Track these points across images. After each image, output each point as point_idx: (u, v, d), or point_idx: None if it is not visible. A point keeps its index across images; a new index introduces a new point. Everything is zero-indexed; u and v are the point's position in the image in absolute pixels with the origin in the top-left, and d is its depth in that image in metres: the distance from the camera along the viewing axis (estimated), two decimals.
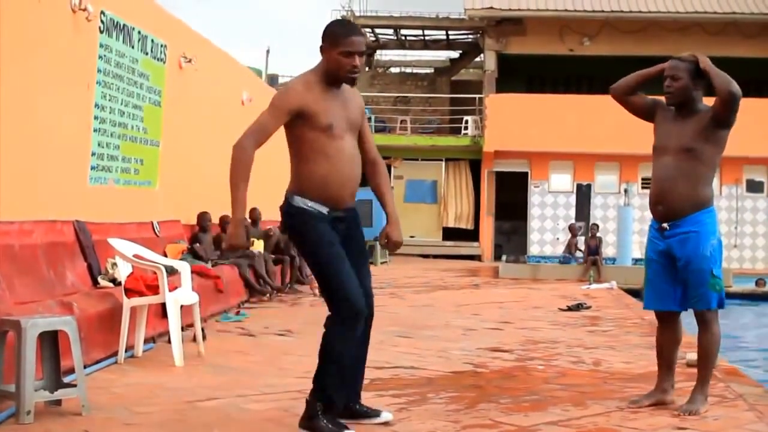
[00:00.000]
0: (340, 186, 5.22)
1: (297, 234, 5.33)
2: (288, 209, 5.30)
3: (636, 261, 21.22)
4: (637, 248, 22.74)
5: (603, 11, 29.15)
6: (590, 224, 24.01)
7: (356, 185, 5.32)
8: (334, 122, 5.18)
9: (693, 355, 7.36)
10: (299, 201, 5.19)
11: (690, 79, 6.00)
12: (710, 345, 6.10)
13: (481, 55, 30.73)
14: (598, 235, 22.44)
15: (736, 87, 5.88)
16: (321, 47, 5.25)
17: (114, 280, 8.92)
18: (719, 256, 6.01)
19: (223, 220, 13.63)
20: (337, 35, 5.18)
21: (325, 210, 5.20)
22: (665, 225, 6.08)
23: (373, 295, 5.48)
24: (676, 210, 6.02)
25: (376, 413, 5.54)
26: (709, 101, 6.08)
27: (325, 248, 5.19)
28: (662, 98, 6.28)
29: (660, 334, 6.34)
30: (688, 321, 6.40)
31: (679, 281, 6.09)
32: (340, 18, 5.32)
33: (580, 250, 22.44)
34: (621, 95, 6.45)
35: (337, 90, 5.28)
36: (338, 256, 5.19)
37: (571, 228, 23.63)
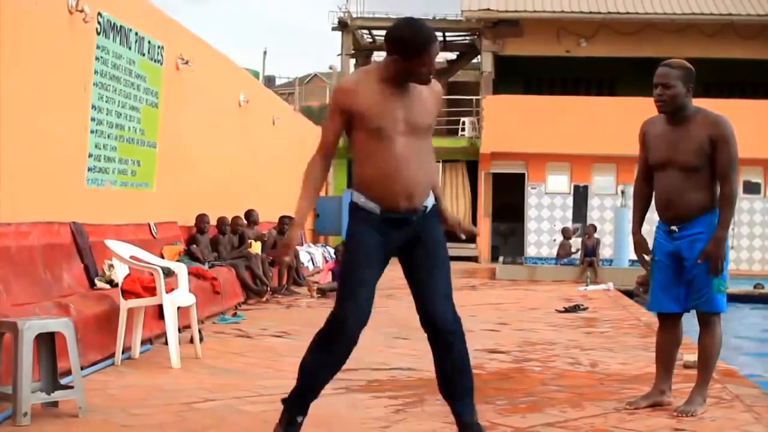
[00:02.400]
0: (391, 189, 4.85)
1: (348, 227, 5.08)
2: (350, 203, 5.05)
3: (633, 262, 21.20)
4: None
5: (600, 12, 29.18)
6: (587, 225, 24.03)
7: (416, 187, 4.88)
8: (385, 125, 4.79)
9: (690, 357, 7.37)
10: (356, 196, 4.95)
11: (682, 86, 5.97)
12: (712, 347, 6.10)
13: (478, 56, 30.75)
14: (595, 236, 22.44)
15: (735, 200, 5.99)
16: (390, 52, 4.80)
17: (111, 282, 8.91)
18: (726, 258, 6.00)
19: (221, 222, 13.63)
20: (415, 47, 4.72)
21: (377, 209, 4.87)
22: (674, 227, 6.07)
23: (450, 314, 4.95)
24: (685, 215, 6.01)
25: None
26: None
27: (354, 247, 4.95)
28: (647, 120, 6.28)
29: (661, 335, 6.33)
30: (686, 322, 6.39)
31: (684, 282, 6.08)
32: (407, 19, 4.63)
33: (574, 252, 22.52)
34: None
35: (402, 89, 4.85)
36: (360, 260, 4.91)
37: (564, 231, 23.68)
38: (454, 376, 5.03)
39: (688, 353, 7.50)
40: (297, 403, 5.00)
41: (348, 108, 4.80)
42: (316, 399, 5.05)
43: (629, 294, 17.33)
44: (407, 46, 4.72)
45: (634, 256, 6.61)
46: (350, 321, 4.82)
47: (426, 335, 4.97)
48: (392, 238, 4.93)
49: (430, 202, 5.02)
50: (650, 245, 6.36)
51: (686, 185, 5.97)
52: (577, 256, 22.40)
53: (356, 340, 4.86)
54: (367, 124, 4.79)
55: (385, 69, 4.84)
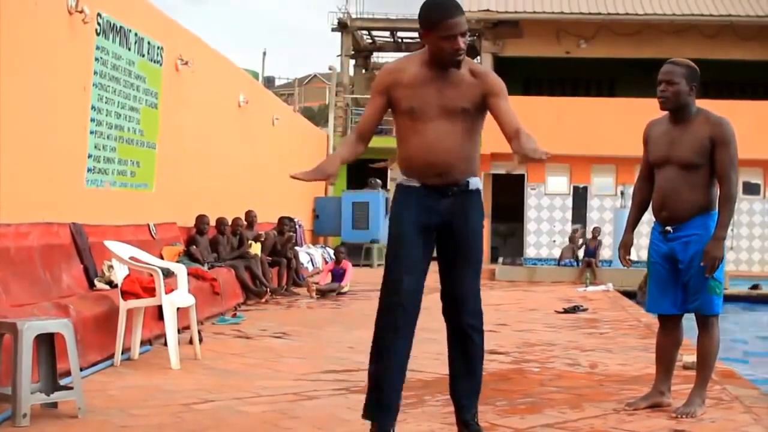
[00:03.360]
0: (424, 170, 4.91)
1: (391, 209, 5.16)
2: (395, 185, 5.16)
3: (633, 263, 21.21)
4: (633, 251, 22.73)
5: (599, 13, 29.18)
6: (593, 227, 24.21)
7: (449, 169, 4.92)
8: (417, 106, 4.86)
9: (689, 358, 7.37)
10: (399, 177, 5.05)
11: (686, 84, 5.98)
12: (710, 348, 6.10)
13: (478, 57, 30.73)
14: (599, 238, 22.65)
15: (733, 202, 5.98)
16: (419, 32, 4.91)
17: (110, 283, 8.92)
18: (722, 260, 5.99)
19: (220, 222, 13.63)
20: (432, 20, 4.77)
21: (417, 183, 4.95)
22: (669, 228, 6.08)
23: (473, 305, 5.05)
24: (680, 215, 6.01)
25: None
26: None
27: (394, 226, 5.00)
28: (652, 120, 6.29)
29: (661, 336, 6.33)
30: (686, 324, 6.39)
31: (681, 284, 6.09)
32: None
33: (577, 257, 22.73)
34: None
35: (442, 73, 4.88)
36: (400, 238, 4.96)
37: (571, 236, 23.92)
38: (464, 374, 5.06)
39: (687, 354, 7.50)
40: (380, 412, 4.95)
41: (387, 89, 4.92)
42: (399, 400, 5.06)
43: (629, 295, 17.34)
44: (424, 19, 4.82)
45: (633, 257, 6.60)
46: (392, 292, 4.90)
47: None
48: (433, 215, 4.96)
49: (473, 183, 5.02)
50: (644, 248, 6.36)
51: (683, 183, 5.97)
52: (580, 253, 22.63)
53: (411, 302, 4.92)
54: (401, 104, 4.89)
55: (425, 52, 4.93)
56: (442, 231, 5.01)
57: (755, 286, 21.72)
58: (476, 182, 5.04)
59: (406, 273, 4.89)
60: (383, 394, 4.92)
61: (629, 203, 6.67)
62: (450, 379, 5.14)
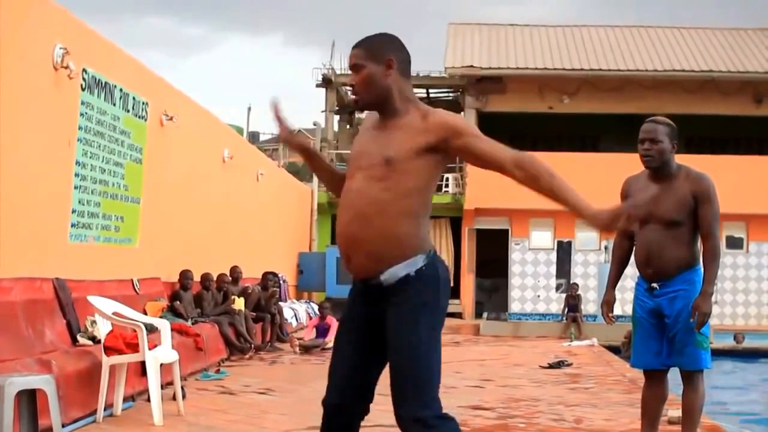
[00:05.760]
0: (342, 244, 4.10)
1: None
2: None
3: (617, 318, 21.23)
4: (618, 305, 22.76)
5: (582, 69, 29.45)
6: (570, 283, 24.29)
7: (355, 247, 4.03)
8: (350, 160, 4.15)
9: (674, 412, 7.36)
10: None
11: (668, 142, 6.02)
12: (695, 403, 6.09)
13: (462, 113, 30.92)
14: (578, 293, 22.72)
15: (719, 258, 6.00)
16: None
17: (93, 338, 8.87)
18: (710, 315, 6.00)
19: (204, 278, 13.60)
20: None
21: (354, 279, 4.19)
22: (655, 285, 6.09)
23: (409, 413, 3.96)
24: (666, 272, 6.02)
25: None
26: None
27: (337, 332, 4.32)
28: (630, 177, 6.33)
29: (647, 390, 6.32)
30: (671, 378, 6.39)
31: (666, 339, 6.09)
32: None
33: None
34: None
35: (389, 121, 4.08)
36: (338, 343, 4.24)
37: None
38: None
39: (673, 409, 7.49)
40: None
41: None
42: None
43: (613, 349, 17.33)
44: None
45: (618, 312, 6.59)
46: (329, 396, 4.20)
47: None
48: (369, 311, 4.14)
49: (401, 270, 4.00)
50: (629, 302, 6.36)
51: (667, 241, 5.99)
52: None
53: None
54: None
55: None
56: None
57: (738, 335, 21.92)
58: (402, 269, 3.99)
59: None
60: None
61: None
62: None
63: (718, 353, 18.69)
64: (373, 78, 4.05)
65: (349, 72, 4.16)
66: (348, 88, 30.74)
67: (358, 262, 4.06)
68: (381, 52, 4.08)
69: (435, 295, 4.02)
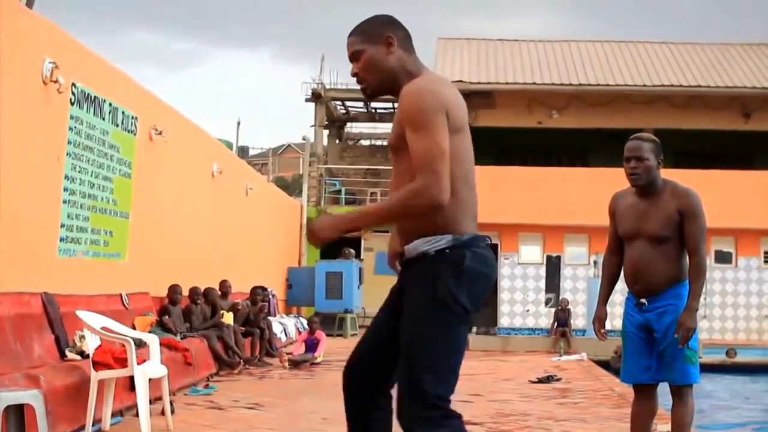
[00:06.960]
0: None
1: None
2: None
3: (606, 332, 21.24)
4: (608, 320, 22.80)
5: (571, 84, 29.50)
6: (560, 298, 24.33)
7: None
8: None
9: (664, 427, 7.36)
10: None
11: (654, 159, 6.04)
12: (685, 418, 6.09)
13: None
14: (568, 307, 22.73)
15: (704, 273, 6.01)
16: None
17: (82, 353, 8.84)
18: (695, 330, 6.00)
19: (193, 292, 13.57)
20: None
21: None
22: (643, 300, 6.09)
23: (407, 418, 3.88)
24: (654, 287, 6.03)
25: None
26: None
27: None
28: (617, 193, 6.34)
29: (636, 405, 6.32)
30: (661, 393, 6.39)
31: (656, 354, 6.09)
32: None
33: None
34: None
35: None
36: (372, 324, 4.22)
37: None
38: None
39: (662, 423, 7.49)
40: None
41: None
42: None
43: (602, 364, 17.34)
44: None
45: (607, 326, 6.58)
46: (349, 361, 4.31)
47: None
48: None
49: (420, 245, 3.89)
50: (618, 317, 6.37)
51: (655, 256, 6.01)
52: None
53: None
54: None
55: None
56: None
57: (731, 351, 21.93)
58: (421, 245, 3.88)
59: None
60: None
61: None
62: None
63: (709, 368, 18.74)
64: (375, 60, 3.99)
65: (348, 74, 4.14)
66: (347, 88, 30.30)
67: (400, 231, 4.02)
68: (378, 32, 4.00)
69: (453, 284, 3.79)
